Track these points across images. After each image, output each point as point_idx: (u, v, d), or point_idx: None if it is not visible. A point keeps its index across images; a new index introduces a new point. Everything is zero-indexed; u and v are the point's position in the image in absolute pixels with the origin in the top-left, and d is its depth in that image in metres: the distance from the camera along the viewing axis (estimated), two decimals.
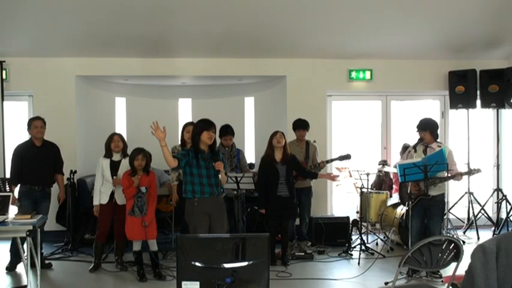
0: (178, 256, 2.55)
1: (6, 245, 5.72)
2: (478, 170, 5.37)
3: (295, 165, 5.88)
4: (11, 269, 5.61)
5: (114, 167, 5.58)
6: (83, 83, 7.53)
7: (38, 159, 5.61)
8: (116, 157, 5.64)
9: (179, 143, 5.96)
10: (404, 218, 6.09)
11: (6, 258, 5.70)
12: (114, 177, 5.51)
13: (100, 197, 5.58)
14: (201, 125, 4.69)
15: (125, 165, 5.57)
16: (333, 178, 6.27)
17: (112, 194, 5.57)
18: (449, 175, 5.22)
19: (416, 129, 5.36)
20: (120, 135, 5.73)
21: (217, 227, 4.67)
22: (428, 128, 5.29)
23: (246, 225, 6.36)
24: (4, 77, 6.96)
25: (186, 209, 4.70)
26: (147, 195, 5.22)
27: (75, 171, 6.64)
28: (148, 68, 7.39)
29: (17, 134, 6.06)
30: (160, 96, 8.46)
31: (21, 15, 6.10)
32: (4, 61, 6.93)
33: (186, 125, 5.85)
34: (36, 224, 4.43)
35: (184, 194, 4.69)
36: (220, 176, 4.62)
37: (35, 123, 5.64)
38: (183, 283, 2.49)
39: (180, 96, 8.63)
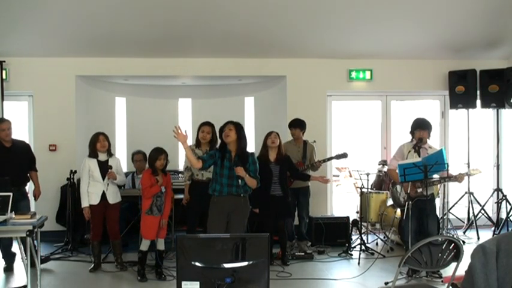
0: (178, 256, 2.55)
1: None
2: (477, 171, 5.35)
3: (288, 166, 5.88)
4: (8, 269, 5.60)
5: (103, 166, 5.50)
6: (83, 83, 7.53)
7: (9, 160, 5.51)
8: (102, 157, 5.54)
9: (194, 142, 5.97)
10: (403, 218, 6.08)
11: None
12: (110, 170, 5.44)
13: (90, 197, 5.48)
14: (221, 127, 4.85)
15: (113, 164, 5.54)
16: (325, 181, 6.24)
17: (103, 194, 5.49)
18: (443, 176, 5.20)
19: (414, 129, 5.31)
20: (105, 135, 5.62)
21: (234, 227, 4.71)
22: (427, 127, 5.28)
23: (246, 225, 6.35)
24: (4, 77, 6.96)
25: (210, 205, 4.84)
26: (164, 195, 5.26)
27: (75, 171, 6.64)
28: (148, 68, 7.39)
29: (17, 134, 6.05)
30: (160, 96, 8.46)
31: (21, 15, 6.11)
32: (4, 61, 6.93)
33: (201, 125, 5.85)
34: (36, 224, 4.43)
35: (209, 190, 4.85)
36: (240, 180, 4.65)
37: (2, 126, 5.53)
38: (183, 283, 2.50)
39: (180, 96, 8.63)
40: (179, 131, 4.48)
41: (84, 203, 5.49)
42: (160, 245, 5.33)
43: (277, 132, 5.90)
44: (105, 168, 5.49)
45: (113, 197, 5.53)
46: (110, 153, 5.62)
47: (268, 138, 5.81)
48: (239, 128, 4.76)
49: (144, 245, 5.26)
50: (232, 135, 4.70)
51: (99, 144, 5.51)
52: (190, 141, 5.96)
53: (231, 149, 4.74)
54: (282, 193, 5.78)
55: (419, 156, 5.09)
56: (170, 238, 6.66)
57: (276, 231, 5.86)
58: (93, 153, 5.53)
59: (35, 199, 5.87)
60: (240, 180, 4.66)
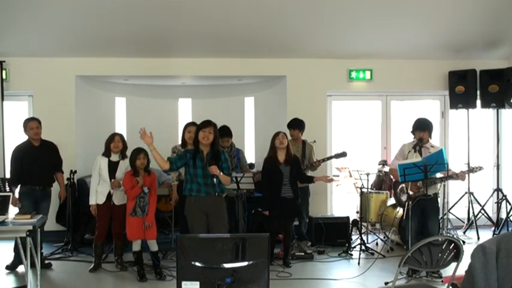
0: (178, 256, 2.56)
1: (7, 245, 5.71)
2: (480, 168, 5.35)
3: (297, 168, 5.81)
4: (11, 268, 5.59)
5: (112, 167, 5.54)
6: (83, 83, 7.53)
7: (37, 159, 5.58)
8: (114, 157, 5.60)
9: (179, 142, 5.95)
10: (404, 218, 6.08)
11: (8, 257, 5.70)
12: (112, 180, 5.48)
13: (97, 196, 5.53)
14: (199, 125, 4.80)
15: (123, 167, 5.56)
16: (329, 180, 6.22)
17: (109, 194, 5.53)
18: (444, 175, 5.20)
19: (414, 130, 5.33)
20: (121, 136, 5.68)
21: (216, 226, 4.71)
22: (427, 128, 5.28)
23: (247, 225, 6.36)
24: (4, 77, 6.96)
25: (185, 206, 4.81)
26: (148, 196, 5.23)
27: (75, 171, 6.65)
28: (148, 68, 7.39)
29: (17, 134, 6.06)
30: (160, 96, 8.46)
31: (21, 15, 6.11)
32: (4, 61, 6.93)
33: (187, 125, 5.84)
34: (36, 224, 4.43)
35: (183, 191, 4.83)
36: (215, 179, 4.65)
37: (31, 125, 5.59)
38: (183, 283, 2.50)
39: (180, 96, 8.63)
40: (145, 133, 4.51)
41: (92, 201, 5.56)
42: (153, 246, 5.28)
43: (285, 133, 5.87)
44: (114, 169, 5.52)
45: (119, 199, 5.53)
46: (123, 155, 5.63)
47: (276, 139, 5.72)
48: (216, 129, 4.79)
49: (135, 246, 5.25)
50: (211, 138, 4.71)
51: (113, 145, 5.56)
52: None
53: (202, 149, 4.73)
54: (292, 195, 5.69)
55: (420, 155, 5.10)
56: (170, 238, 6.67)
57: (281, 232, 5.83)
58: (106, 153, 5.59)
59: (60, 201, 5.95)
60: (214, 179, 4.65)
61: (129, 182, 5.20)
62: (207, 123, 4.74)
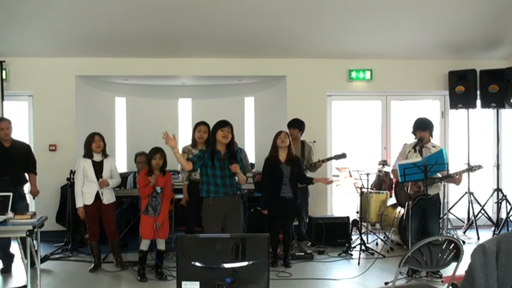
0: (178, 256, 2.56)
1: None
2: (479, 166, 5.34)
3: (298, 169, 5.81)
4: (6, 270, 5.57)
5: (97, 167, 5.50)
6: (83, 83, 7.53)
7: (7, 160, 5.49)
8: (97, 157, 5.54)
9: (190, 143, 5.94)
10: (404, 218, 6.08)
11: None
12: (100, 179, 5.46)
13: (84, 198, 5.46)
14: (216, 125, 4.80)
15: (107, 165, 5.54)
16: (328, 182, 6.22)
17: (97, 194, 5.48)
18: (443, 175, 5.19)
19: (415, 130, 5.33)
20: (100, 135, 5.61)
21: (232, 226, 4.73)
22: (428, 127, 5.28)
23: (247, 225, 6.36)
24: (4, 77, 6.96)
25: (203, 207, 4.81)
26: (161, 195, 5.23)
27: (75, 171, 6.63)
28: (148, 68, 7.39)
29: (17, 134, 6.05)
30: (160, 96, 8.46)
31: (21, 15, 6.11)
32: (4, 61, 6.94)
33: (197, 125, 5.80)
34: (37, 224, 4.43)
35: (200, 193, 4.82)
36: (237, 177, 4.70)
37: (1, 125, 5.52)
38: (183, 283, 2.50)
39: (180, 96, 8.63)
40: (168, 136, 4.45)
41: (79, 203, 5.49)
42: (161, 245, 5.32)
43: (287, 132, 5.88)
44: (99, 169, 5.49)
45: (108, 197, 5.53)
46: (105, 154, 5.61)
47: (278, 138, 5.72)
48: (233, 129, 4.81)
49: (144, 245, 5.27)
50: (230, 137, 4.73)
51: (94, 145, 5.51)
52: (182, 143, 6.02)
53: (219, 148, 4.74)
54: (292, 195, 5.69)
55: (421, 155, 5.10)
56: (170, 238, 6.66)
57: (282, 232, 5.83)
58: (88, 154, 5.52)
59: (33, 198, 5.84)
60: (233, 178, 4.69)
61: (143, 180, 5.22)
62: (225, 123, 4.76)
